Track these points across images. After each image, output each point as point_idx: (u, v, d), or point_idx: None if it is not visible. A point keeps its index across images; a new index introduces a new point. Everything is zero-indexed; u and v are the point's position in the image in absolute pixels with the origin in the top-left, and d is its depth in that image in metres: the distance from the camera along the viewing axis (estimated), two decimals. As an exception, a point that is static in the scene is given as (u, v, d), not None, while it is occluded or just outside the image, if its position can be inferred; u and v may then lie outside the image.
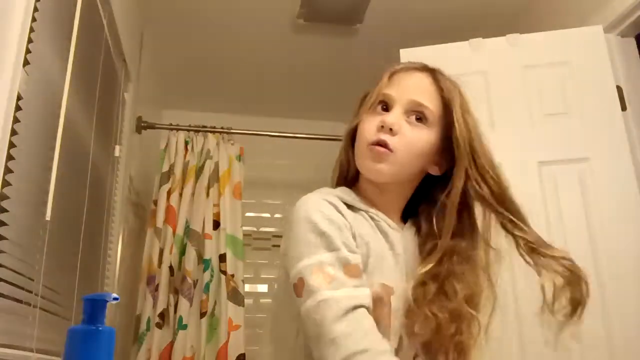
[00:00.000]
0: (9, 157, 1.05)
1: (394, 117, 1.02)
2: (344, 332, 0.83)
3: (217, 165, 2.56)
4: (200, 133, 2.65)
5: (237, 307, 2.34)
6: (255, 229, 3.44)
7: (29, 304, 1.19)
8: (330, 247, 0.91)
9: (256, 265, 3.37)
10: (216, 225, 2.46)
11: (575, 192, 1.89)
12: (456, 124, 1.02)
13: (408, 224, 1.10)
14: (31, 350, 1.18)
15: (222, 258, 2.40)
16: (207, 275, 2.35)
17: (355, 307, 0.86)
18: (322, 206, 0.97)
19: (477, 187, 1.00)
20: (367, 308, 0.88)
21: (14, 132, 1.07)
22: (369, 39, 2.75)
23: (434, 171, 1.07)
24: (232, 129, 2.68)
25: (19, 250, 1.13)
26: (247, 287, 3.16)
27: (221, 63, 3.00)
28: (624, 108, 1.96)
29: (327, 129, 3.12)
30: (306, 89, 3.26)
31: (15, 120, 1.07)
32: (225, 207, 2.48)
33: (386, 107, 1.05)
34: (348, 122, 1.11)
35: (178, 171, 2.54)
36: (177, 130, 2.65)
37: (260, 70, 3.06)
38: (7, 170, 1.05)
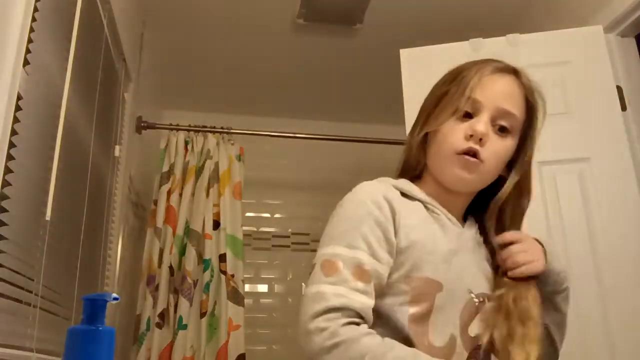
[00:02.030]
0: (9, 157, 1.05)
1: (484, 126, 0.97)
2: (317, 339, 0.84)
3: (217, 165, 2.56)
4: (200, 133, 2.65)
5: (237, 307, 2.34)
6: (255, 229, 3.44)
7: (29, 304, 1.19)
8: (353, 244, 0.90)
9: (256, 265, 3.37)
10: (216, 225, 2.46)
11: (575, 192, 1.89)
12: (534, 134, 1.02)
13: (469, 222, 1.06)
14: (31, 350, 1.18)
15: (222, 258, 2.40)
16: (207, 275, 2.35)
17: (338, 309, 0.84)
18: (371, 197, 0.95)
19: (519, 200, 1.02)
20: (357, 312, 0.86)
21: (14, 132, 1.07)
22: (369, 39, 2.75)
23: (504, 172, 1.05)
24: (232, 129, 2.68)
25: (19, 250, 1.13)
26: (247, 287, 3.16)
27: (221, 63, 3.00)
28: (624, 108, 1.96)
29: (327, 129, 3.13)
30: (306, 89, 3.26)
31: (15, 120, 1.07)
32: (225, 207, 2.48)
33: (471, 112, 0.99)
34: (420, 120, 1.06)
35: (178, 171, 2.54)
36: (177, 130, 2.65)
37: (260, 70, 3.06)
38: (7, 170, 1.05)
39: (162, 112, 3.33)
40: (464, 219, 1.06)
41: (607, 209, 1.85)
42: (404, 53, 2.10)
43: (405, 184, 1.02)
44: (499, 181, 1.02)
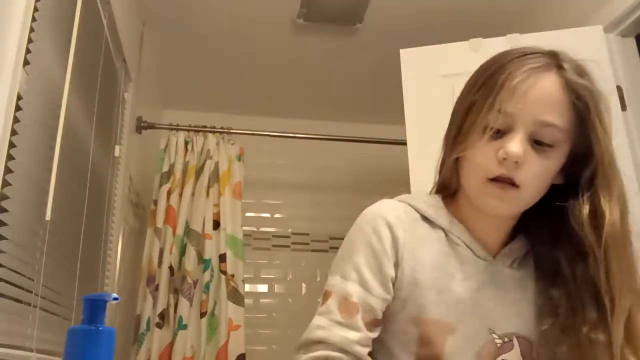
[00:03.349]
0: (9, 157, 1.05)
1: (520, 146, 0.80)
2: None
3: (217, 165, 2.56)
4: (200, 133, 2.65)
5: (237, 307, 2.34)
6: (255, 229, 3.44)
7: (29, 304, 1.19)
8: (346, 274, 0.86)
9: (256, 265, 3.37)
10: (216, 225, 2.46)
11: (575, 192, 1.89)
12: (597, 138, 0.83)
13: (508, 249, 0.91)
14: (31, 350, 1.18)
15: (222, 258, 2.40)
16: (207, 275, 2.35)
17: (317, 342, 0.81)
18: (372, 225, 0.88)
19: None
20: (337, 347, 0.80)
21: (14, 132, 1.07)
22: (369, 39, 2.75)
23: (558, 180, 0.87)
24: (232, 129, 2.68)
25: (19, 250, 1.13)
26: (247, 287, 3.16)
27: (221, 63, 3.00)
28: (624, 108, 1.96)
29: (327, 129, 3.12)
30: (306, 89, 3.26)
31: (15, 120, 1.07)
32: (225, 207, 2.48)
33: (503, 128, 0.83)
34: (451, 133, 0.90)
35: (178, 171, 2.54)
36: (177, 130, 2.65)
37: (260, 70, 3.06)
38: (7, 170, 1.05)
39: (162, 112, 3.33)
40: (511, 238, 0.92)
41: (607, 209, 1.85)
42: (404, 53, 2.10)
43: (431, 206, 0.92)
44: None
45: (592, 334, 0.79)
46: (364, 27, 2.67)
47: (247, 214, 3.32)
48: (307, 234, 3.44)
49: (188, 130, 2.65)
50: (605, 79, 1.96)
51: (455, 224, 0.90)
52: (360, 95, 3.27)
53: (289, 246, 3.44)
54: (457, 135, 0.87)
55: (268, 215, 3.50)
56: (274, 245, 3.44)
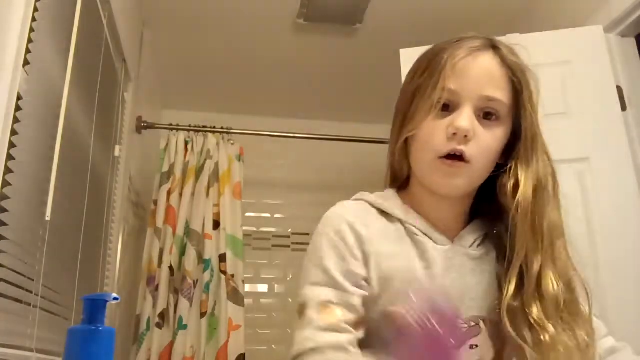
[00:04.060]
0: (9, 157, 1.05)
1: (468, 120, 0.83)
2: None
3: (217, 165, 2.56)
4: (200, 133, 2.65)
5: (237, 307, 2.34)
6: (255, 229, 3.44)
7: (29, 304, 1.19)
8: (317, 281, 0.85)
9: (256, 265, 3.37)
10: (216, 225, 2.46)
11: (575, 192, 1.89)
12: (526, 113, 0.87)
13: (468, 230, 0.92)
14: (31, 350, 1.18)
15: (222, 258, 2.40)
16: (207, 275, 2.35)
17: (311, 350, 0.79)
18: (334, 227, 0.88)
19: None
20: (331, 349, 0.79)
21: (14, 132, 1.07)
22: (369, 39, 2.75)
23: (501, 160, 0.90)
24: (232, 129, 2.68)
25: (19, 250, 1.13)
26: (247, 287, 3.16)
27: (221, 63, 3.00)
28: (624, 108, 1.96)
29: (327, 129, 3.13)
30: (306, 89, 3.26)
31: (15, 120, 1.07)
32: (225, 207, 2.48)
33: (449, 104, 0.86)
34: (397, 122, 0.92)
35: (178, 171, 2.54)
36: (177, 130, 2.65)
37: (260, 70, 3.06)
38: (7, 170, 1.05)
39: (162, 112, 3.33)
40: (470, 219, 0.94)
41: (607, 209, 1.85)
42: (404, 53, 2.10)
43: (386, 200, 0.93)
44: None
45: (512, 301, 0.82)
46: (364, 27, 2.67)
47: (247, 214, 3.32)
48: (307, 234, 3.41)
49: (188, 130, 2.66)
50: (605, 79, 1.97)
51: (410, 213, 0.91)
52: (360, 95, 3.27)
53: (289, 246, 3.44)
54: (404, 120, 0.90)
55: (268, 215, 3.50)
56: (274, 245, 3.44)
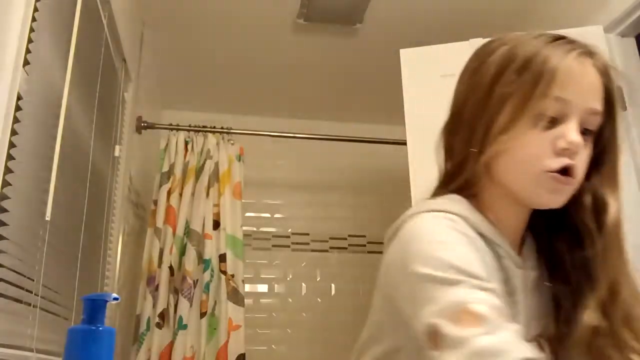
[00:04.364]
0: (9, 157, 1.05)
1: (577, 134, 0.76)
2: None
3: (217, 165, 2.56)
4: (200, 133, 2.65)
5: (237, 307, 2.34)
6: (255, 229, 3.44)
7: (29, 304, 1.19)
8: (471, 278, 0.66)
9: (256, 265, 3.37)
10: (216, 225, 2.46)
11: (575, 192, 1.89)
12: (616, 127, 0.82)
13: (527, 250, 0.85)
14: (31, 350, 1.18)
15: (222, 258, 2.40)
16: (207, 275, 2.35)
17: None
18: (444, 222, 0.75)
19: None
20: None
21: (14, 132, 1.07)
22: (369, 39, 2.75)
23: None
24: (232, 129, 2.68)
25: (19, 250, 1.13)
26: (247, 287, 3.16)
27: (221, 63, 3.00)
28: (624, 108, 1.96)
29: (327, 129, 3.13)
30: (306, 89, 3.26)
31: (15, 120, 1.07)
32: (225, 207, 2.48)
33: (556, 116, 0.77)
34: (478, 129, 0.80)
35: (178, 171, 2.54)
36: (177, 130, 2.65)
37: (260, 70, 3.06)
38: (7, 170, 1.05)
39: (162, 112, 3.33)
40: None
41: (607, 209, 1.85)
42: (404, 53, 2.10)
43: (473, 214, 0.79)
44: None
45: (592, 321, 0.76)
46: (364, 27, 2.67)
47: (247, 214, 3.32)
48: (307, 234, 3.44)
49: (188, 130, 2.66)
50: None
51: (497, 234, 0.80)
52: (360, 95, 3.27)
53: (289, 246, 3.44)
54: (489, 129, 0.79)
55: (268, 215, 3.50)
56: (274, 245, 3.44)
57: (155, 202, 2.49)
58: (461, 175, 0.83)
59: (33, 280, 1.20)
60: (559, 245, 0.84)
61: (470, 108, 0.82)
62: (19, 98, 1.09)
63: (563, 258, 0.83)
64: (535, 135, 0.77)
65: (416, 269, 0.69)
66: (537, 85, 0.76)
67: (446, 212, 0.77)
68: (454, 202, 0.81)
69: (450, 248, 0.70)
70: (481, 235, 0.78)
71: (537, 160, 0.77)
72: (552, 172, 0.77)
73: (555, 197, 0.79)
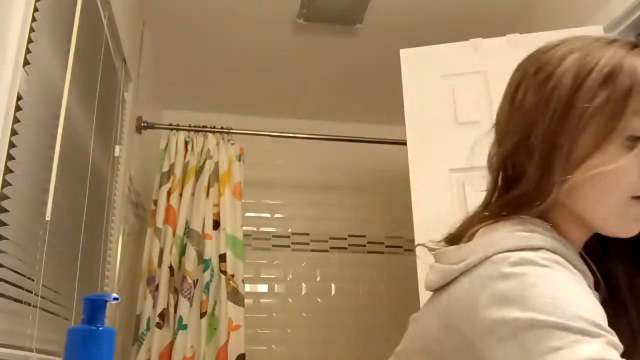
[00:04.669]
0: (9, 157, 1.05)
1: None
2: None
3: (217, 165, 2.56)
4: (200, 133, 2.65)
5: (237, 307, 2.34)
6: (255, 229, 3.44)
7: (29, 304, 1.19)
8: (608, 333, 0.57)
9: (256, 265, 3.37)
10: (216, 225, 2.46)
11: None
12: None
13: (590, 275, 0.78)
14: (31, 350, 1.18)
15: (222, 258, 2.40)
16: (207, 275, 2.35)
17: None
18: (550, 261, 0.64)
19: None
20: None
21: (14, 132, 1.07)
22: (369, 39, 2.75)
23: None
24: (232, 129, 2.68)
25: (19, 250, 1.13)
26: (247, 287, 3.16)
27: (221, 63, 3.00)
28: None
29: (327, 129, 3.13)
30: (306, 89, 3.26)
31: (15, 120, 1.07)
32: (225, 207, 2.48)
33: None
34: (557, 152, 0.70)
35: (178, 171, 2.54)
36: (177, 130, 2.65)
37: (260, 70, 3.06)
38: (7, 170, 1.05)
39: (162, 112, 3.33)
40: None
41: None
42: (404, 53, 2.10)
43: (559, 242, 0.70)
44: None
45: None
46: (364, 27, 2.67)
47: (247, 214, 3.32)
48: (307, 234, 3.44)
49: (188, 130, 2.66)
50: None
51: (582, 262, 0.72)
52: (360, 95, 3.27)
53: (289, 246, 3.44)
54: (571, 150, 0.69)
55: (268, 215, 3.50)
56: (274, 245, 3.44)
57: (155, 202, 2.49)
58: (539, 202, 0.71)
59: (33, 280, 1.20)
60: (612, 266, 0.78)
61: (544, 127, 0.71)
62: (19, 98, 1.09)
63: (618, 282, 0.77)
64: (628, 160, 0.68)
65: (537, 316, 0.58)
66: (627, 100, 0.67)
67: (546, 250, 0.67)
68: (545, 233, 0.69)
69: (575, 295, 0.60)
70: (573, 265, 0.68)
71: (625, 185, 0.69)
72: (636, 197, 0.69)
73: (637, 226, 0.71)
